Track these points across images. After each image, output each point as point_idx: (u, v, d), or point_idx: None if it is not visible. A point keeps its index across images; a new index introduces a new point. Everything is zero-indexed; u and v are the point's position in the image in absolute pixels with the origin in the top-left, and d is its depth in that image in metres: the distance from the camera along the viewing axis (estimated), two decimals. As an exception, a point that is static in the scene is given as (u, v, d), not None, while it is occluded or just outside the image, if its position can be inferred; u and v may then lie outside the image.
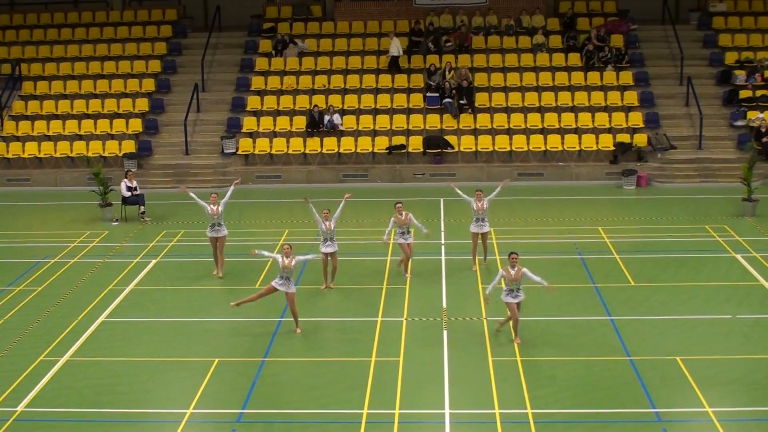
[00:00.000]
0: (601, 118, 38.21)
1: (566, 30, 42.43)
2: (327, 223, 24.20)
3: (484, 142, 37.63)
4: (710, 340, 20.58)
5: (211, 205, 25.15)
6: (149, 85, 41.17)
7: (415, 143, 37.72)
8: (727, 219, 30.45)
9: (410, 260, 25.10)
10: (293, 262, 20.86)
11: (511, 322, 20.33)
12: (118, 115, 39.65)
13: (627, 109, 38.63)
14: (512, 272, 19.84)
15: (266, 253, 21.69)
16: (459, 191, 25.90)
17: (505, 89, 39.72)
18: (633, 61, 41.03)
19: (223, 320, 21.91)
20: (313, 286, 24.40)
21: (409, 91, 39.94)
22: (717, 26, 42.98)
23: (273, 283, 20.98)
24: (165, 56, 42.79)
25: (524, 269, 19.88)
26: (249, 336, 21.04)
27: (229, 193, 26.10)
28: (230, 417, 17.27)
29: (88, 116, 39.66)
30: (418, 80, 40.23)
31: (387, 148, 37.65)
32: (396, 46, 40.77)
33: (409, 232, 24.78)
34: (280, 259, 20.79)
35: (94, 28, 44.25)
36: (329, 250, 24.16)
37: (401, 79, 40.37)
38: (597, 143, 37.42)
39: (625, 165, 36.60)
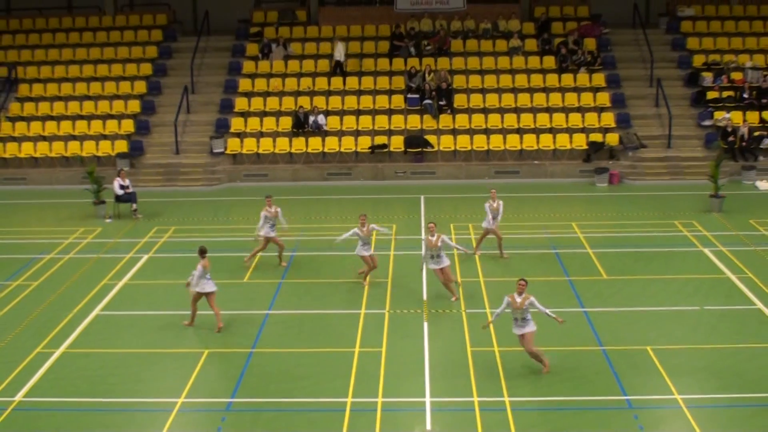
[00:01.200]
0: (575, 119, 38.30)
1: (541, 34, 42.50)
2: (364, 228, 23.54)
3: (463, 142, 37.68)
4: (679, 330, 20.68)
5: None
6: (141, 87, 41.07)
7: (397, 143, 37.74)
8: (695, 215, 30.58)
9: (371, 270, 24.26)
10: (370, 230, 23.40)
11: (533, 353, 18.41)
12: (111, 116, 39.54)
13: (599, 110, 38.73)
14: (518, 300, 18.03)
15: (345, 235, 23.73)
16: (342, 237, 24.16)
17: (483, 91, 39.77)
18: (605, 63, 41.13)
19: (212, 313, 21.90)
20: (299, 280, 24.41)
21: (390, 92, 39.96)
22: (685, 30, 43.13)
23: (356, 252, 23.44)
24: (156, 59, 42.69)
25: (531, 298, 18.00)
26: (237, 328, 21.05)
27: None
28: (220, 406, 17.28)
29: (81, 117, 39.54)
30: (399, 82, 40.25)
31: (369, 148, 37.66)
32: (339, 51, 40.91)
33: (370, 244, 23.91)
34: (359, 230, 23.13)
35: (88, 33, 44.12)
36: (368, 252, 23.83)
37: (382, 81, 40.39)
38: (571, 142, 37.51)
39: (597, 163, 36.71)
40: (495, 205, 25.52)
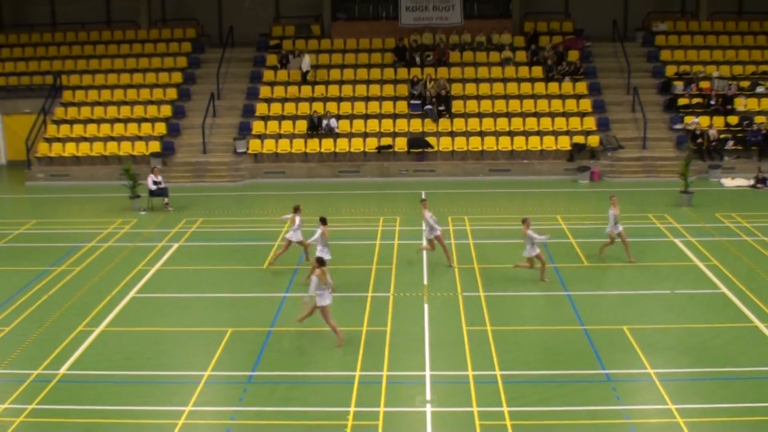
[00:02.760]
0: (560, 122, 38.26)
1: (530, 46, 42.43)
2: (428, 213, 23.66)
3: (460, 143, 37.65)
4: (652, 311, 20.66)
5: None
6: (172, 93, 41.07)
7: (401, 144, 37.72)
8: (666, 208, 30.55)
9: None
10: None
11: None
12: (145, 120, 39.56)
13: (582, 115, 38.68)
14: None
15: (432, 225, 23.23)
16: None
17: (478, 97, 39.71)
18: (587, 73, 41.07)
19: (235, 296, 21.93)
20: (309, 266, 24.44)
21: (395, 99, 39.91)
22: (659, 43, 43.04)
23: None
24: (185, 69, 42.68)
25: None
26: (258, 309, 21.07)
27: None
28: (242, 378, 17.29)
29: (119, 120, 39.56)
30: (402, 90, 40.20)
31: (376, 148, 37.65)
32: (306, 63, 40.86)
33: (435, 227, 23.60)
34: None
35: (125, 45, 44.14)
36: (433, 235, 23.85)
37: (388, 89, 40.34)
38: (556, 144, 37.47)
39: (580, 162, 36.67)
40: (616, 212, 24.09)
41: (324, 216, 22.70)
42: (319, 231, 21.96)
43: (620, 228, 23.96)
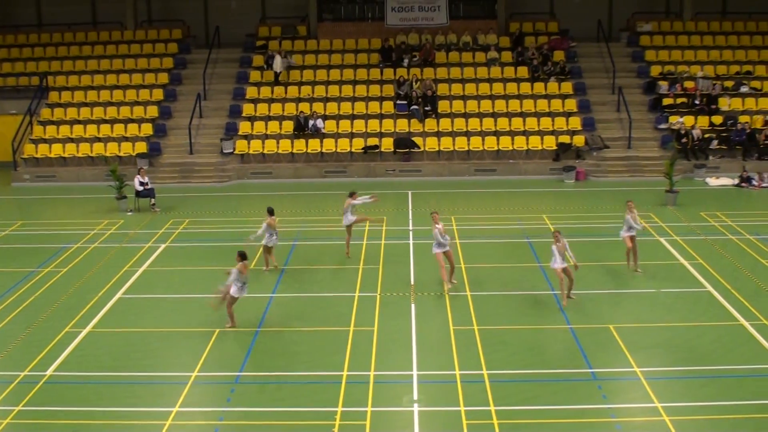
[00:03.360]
0: (545, 122, 38.31)
1: (516, 47, 42.50)
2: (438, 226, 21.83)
3: (446, 143, 37.67)
4: (638, 310, 20.72)
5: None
6: (158, 94, 40.97)
7: (387, 144, 37.71)
8: (652, 208, 30.63)
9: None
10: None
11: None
12: (132, 120, 39.44)
13: (567, 115, 38.76)
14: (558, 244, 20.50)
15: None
16: None
17: (464, 98, 39.74)
18: (572, 73, 41.14)
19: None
20: (299, 266, 24.39)
21: (381, 99, 39.91)
22: (643, 44, 43.15)
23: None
24: (172, 69, 42.56)
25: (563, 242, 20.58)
26: (244, 309, 21.00)
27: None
28: (229, 379, 17.27)
29: (105, 121, 39.43)
30: (389, 90, 40.19)
31: (363, 148, 37.63)
32: (278, 64, 40.90)
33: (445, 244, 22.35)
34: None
35: (111, 46, 44.00)
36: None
37: (374, 89, 40.34)
38: (542, 143, 37.53)
39: (565, 162, 36.74)
40: (634, 215, 23.50)
41: (271, 207, 23.87)
42: (264, 224, 23.00)
43: (633, 232, 23.33)
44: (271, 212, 23.60)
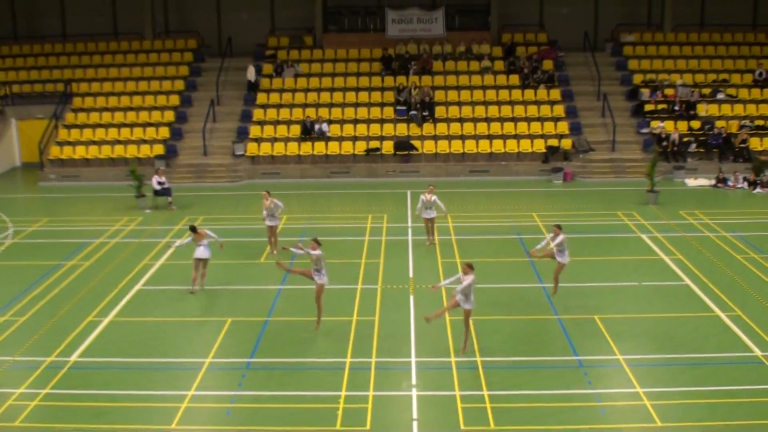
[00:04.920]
0: (535, 127, 38.29)
1: (507, 56, 42.48)
2: (428, 195, 25.27)
3: (443, 146, 37.65)
4: (621, 302, 20.73)
5: (265, 201, 24.81)
6: (175, 100, 40.94)
7: (388, 146, 37.68)
8: (634, 206, 30.64)
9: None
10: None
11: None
12: (150, 124, 39.42)
13: (555, 119, 38.72)
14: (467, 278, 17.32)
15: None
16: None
17: (459, 103, 39.72)
18: (560, 81, 41.11)
19: (234, 288, 21.90)
20: (306, 260, 24.37)
21: (382, 105, 39.88)
22: (627, 54, 43.12)
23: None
24: (187, 77, 42.54)
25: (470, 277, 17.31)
26: (255, 300, 21.06)
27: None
28: (241, 365, 17.30)
29: (125, 125, 39.41)
30: (389, 96, 40.17)
31: (365, 151, 37.61)
32: (252, 73, 40.90)
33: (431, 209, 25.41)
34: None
35: (131, 55, 44.01)
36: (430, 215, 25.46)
37: (376, 96, 40.31)
38: (532, 146, 37.50)
39: (554, 164, 36.70)
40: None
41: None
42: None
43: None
44: (269, 193, 24.89)
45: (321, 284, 18.79)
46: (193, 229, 21.90)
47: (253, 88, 41.04)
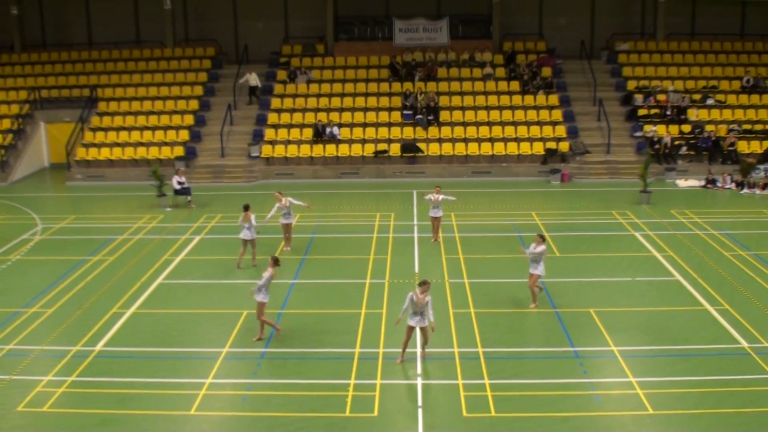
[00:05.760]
0: (534, 130, 38.23)
1: (508, 63, 42.43)
2: (435, 195, 25.26)
3: (447, 148, 37.62)
4: (615, 296, 20.70)
5: (281, 200, 24.69)
6: (194, 104, 40.99)
7: (395, 149, 37.66)
8: (628, 206, 30.57)
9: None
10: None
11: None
12: (171, 127, 39.47)
13: (554, 123, 38.66)
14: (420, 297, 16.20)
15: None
16: None
17: (463, 108, 39.67)
18: (558, 87, 41.04)
19: (250, 282, 21.93)
20: (317, 256, 24.39)
21: (390, 109, 39.86)
22: (621, 61, 43.02)
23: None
24: (206, 83, 42.57)
25: (428, 299, 16.23)
26: (270, 294, 21.03)
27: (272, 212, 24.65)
28: (256, 354, 17.33)
29: (147, 128, 39.46)
30: (396, 101, 40.15)
31: (373, 152, 37.60)
32: (255, 80, 40.83)
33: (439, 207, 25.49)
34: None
35: (152, 62, 44.06)
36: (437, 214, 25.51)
37: (384, 101, 40.28)
38: (531, 149, 37.44)
39: (552, 165, 36.64)
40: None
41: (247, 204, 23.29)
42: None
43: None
44: (281, 193, 24.97)
45: (261, 303, 17.80)
46: (245, 207, 22.78)
47: (254, 93, 40.99)
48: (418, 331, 16.80)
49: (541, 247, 19.54)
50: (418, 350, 17.20)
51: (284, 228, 25.04)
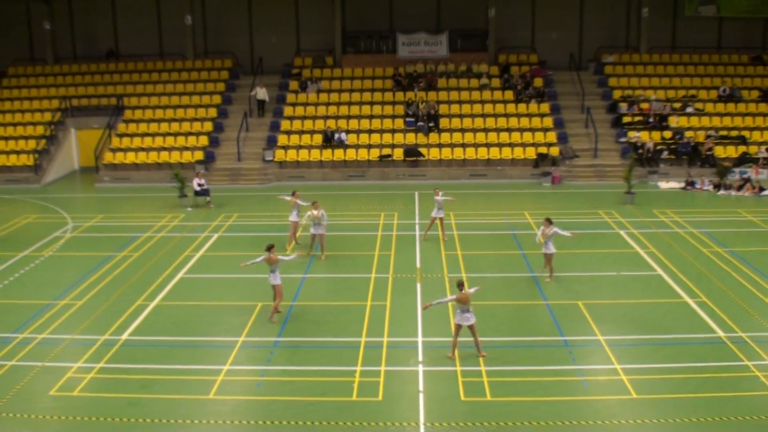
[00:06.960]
0: (527, 136, 38.18)
1: (503, 74, 42.38)
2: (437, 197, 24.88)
3: (446, 153, 37.59)
4: (602, 289, 20.68)
5: (313, 211, 23.58)
6: (212, 112, 41.01)
7: (398, 153, 37.64)
8: (613, 206, 30.53)
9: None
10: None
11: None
12: (191, 134, 39.49)
13: (545, 130, 38.60)
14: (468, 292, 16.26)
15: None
16: None
17: (461, 116, 39.63)
18: (549, 96, 40.99)
19: (264, 276, 21.90)
20: (327, 252, 24.38)
21: (393, 117, 39.82)
22: (607, 72, 42.96)
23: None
24: (223, 92, 42.59)
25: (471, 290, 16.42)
26: (282, 287, 21.03)
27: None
28: (269, 343, 17.33)
29: (170, 134, 39.49)
30: (400, 109, 40.11)
31: (378, 157, 37.59)
32: (263, 94, 40.73)
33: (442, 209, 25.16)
34: None
35: (174, 73, 44.10)
36: (441, 215, 25.14)
37: (388, 109, 40.24)
38: (524, 153, 37.40)
39: (543, 168, 36.60)
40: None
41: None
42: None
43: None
44: (293, 193, 24.88)
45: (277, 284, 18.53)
46: (269, 248, 18.82)
47: (262, 106, 40.90)
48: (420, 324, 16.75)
49: (553, 228, 20.80)
50: (420, 339, 17.19)
51: (312, 237, 24.03)
